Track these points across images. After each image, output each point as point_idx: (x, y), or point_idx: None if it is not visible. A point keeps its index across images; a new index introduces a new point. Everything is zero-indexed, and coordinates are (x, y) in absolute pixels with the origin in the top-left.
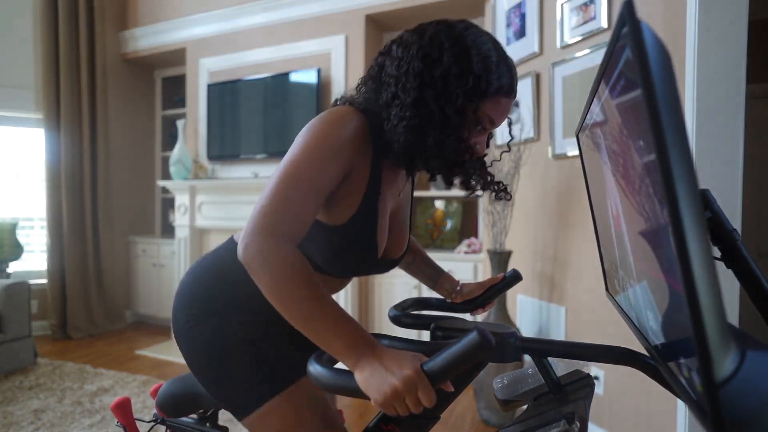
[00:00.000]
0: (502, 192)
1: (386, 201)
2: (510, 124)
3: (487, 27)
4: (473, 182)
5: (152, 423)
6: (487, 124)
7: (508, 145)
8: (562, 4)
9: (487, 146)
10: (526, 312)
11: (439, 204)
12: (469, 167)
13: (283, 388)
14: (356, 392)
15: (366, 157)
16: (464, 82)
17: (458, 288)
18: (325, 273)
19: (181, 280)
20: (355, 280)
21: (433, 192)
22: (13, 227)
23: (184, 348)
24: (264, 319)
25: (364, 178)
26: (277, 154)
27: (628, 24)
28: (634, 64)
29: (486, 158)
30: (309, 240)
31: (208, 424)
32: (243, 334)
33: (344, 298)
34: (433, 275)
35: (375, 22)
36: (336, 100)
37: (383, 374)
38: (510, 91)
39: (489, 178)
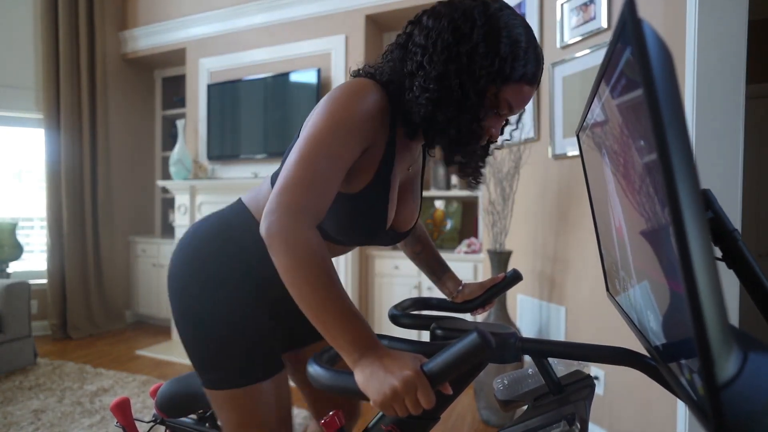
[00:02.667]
0: (476, 180)
1: (397, 174)
2: (519, 118)
3: None
4: (469, 168)
5: (152, 423)
6: (504, 109)
7: (510, 138)
8: (562, 4)
9: (502, 133)
10: (526, 312)
11: (439, 204)
12: (475, 150)
13: (254, 381)
14: (355, 393)
15: (383, 131)
16: (489, 63)
17: (460, 288)
18: (331, 240)
19: (183, 236)
20: (355, 281)
21: (433, 192)
22: (13, 227)
23: (176, 303)
24: (261, 298)
25: (380, 150)
26: (277, 154)
27: (629, 23)
28: (635, 64)
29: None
30: None
31: (207, 424)
32: (235, 312)
33: None
34: (438, 271)
35: (375, 22)
36: (359, 71)
37: (383, 375)
38: (533, 79)
39: (481, 165)
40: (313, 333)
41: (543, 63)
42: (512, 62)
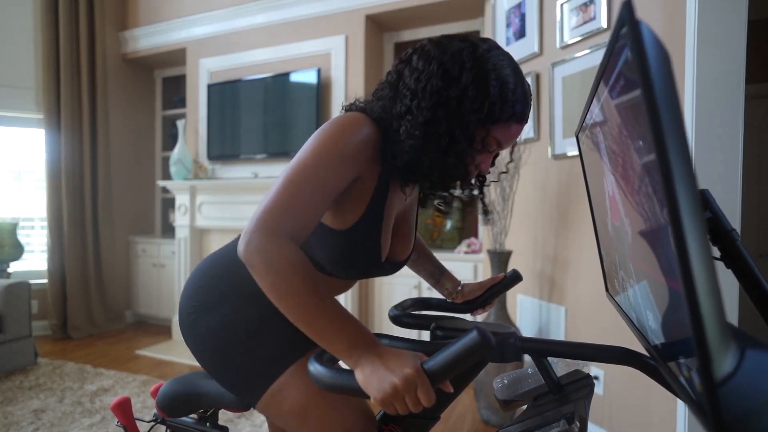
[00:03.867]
0: (486, 211)
1: (393, 205)
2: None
3: (487, 27)
4: (448, 204)
5: (152, 423)
6: (494, 146)
7: (506, 165)
8: (561, 5)
9: (492, 165)
10: (526, 312)
11: None
12: (456, 186)
13: (292, 362)
14: (356, 391)
15: (375, 164)
16: (479, 107)
17: (459, 288)
18: (330, 275)
19: (187, 279)
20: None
21: None
22: (14, 227)
23: (190, 340)
24: (269, 304)
25: (372, 183)
26: (277, 154)
27: (627, 24)
28: (634, 65)
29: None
30: (315, 243)
31: (208, 424)
32: (248, 320)
33: (344, 298)
34: (436, 273)
35: (375, 22)
36: (351, 105)
37: (383, 372)
38: (522, 118)
39: (480, 193)
40: None
41: (531, 99)
42: (501, 104)
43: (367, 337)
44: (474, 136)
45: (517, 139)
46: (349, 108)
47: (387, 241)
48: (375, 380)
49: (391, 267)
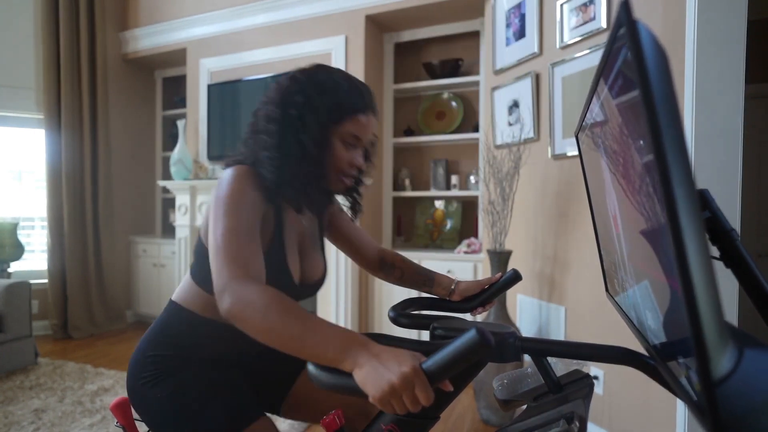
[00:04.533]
0: (355, 206)
1: (293, 232)
2: (369, 152)
3: (486, 27)
4: (355, 204)
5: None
6: (352, 141)
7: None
8: (561, 5)
9: (368, 160)
10: (526, 312)
11: (439, 204)
12: (324, 189)
13: (245, 426)
14: (356, 390)
15: (268, 202)
16: (318, 115)
17: (454, 286)
18: None
19: (131, 356)
20: (355, 281)
21: (433, 192)
22: (14, 227)
23: (140, 409)
24: (220, 365)
25: (271, 217)
26: None
27: (625, 25)
28: (632, 65)
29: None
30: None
31: None
32: (195, 391)
33: (344, 298)
34: (427, 281)
35: (375, 22)
36: (230, 160)
37: (381, 371)
38: (366, 109)
39: (356, 188)
40: (292, 373)
41: (370, 92)
42: (338, 103)
43: (358, 339)
44: (326, 140)
45: (517, 139)
46: (229, 164)
47: (295, 264)
48: (372, 379)
49: (308, 288)
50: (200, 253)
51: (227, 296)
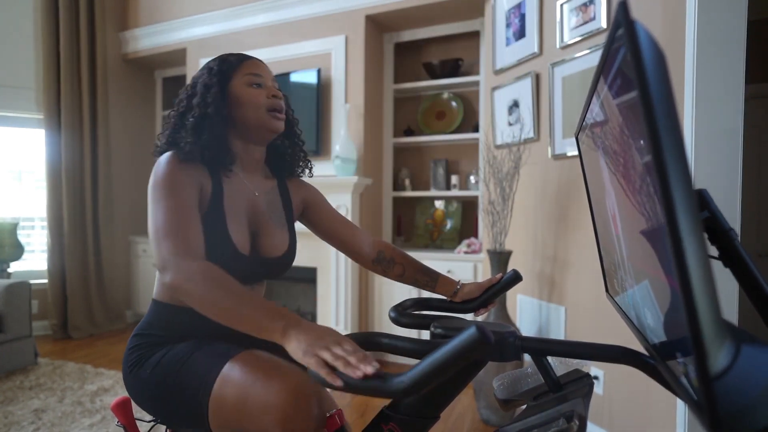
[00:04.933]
0: (305, 163)
1: (235, 198)
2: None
3: (486, 27)
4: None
5: (152, 423)
6: (253, 80)
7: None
8: (561, 5)
9: (279, 102)
10: (526, 312)
11: (439, 204)
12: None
13: (221, 367)
14: (360, 389)
15: (205, 176)
16: (212, 76)
17: (458, 288)
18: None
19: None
20: (355, 281)
21: (433, 192)
22: (14, 227)
23: (137, 394)
24: (201, 334)
25: (209, 186)
26: None
27: (623, 25)
28: (630, 66)
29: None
30: None
31: None
32: (181, 349)
33: (344, 298)
34: (430, 282)
35: (375, 22)
36: (158, 149)
37: (308, 333)
38: (246, 57)
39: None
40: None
41: (246, 53)
42: (224, 60)
43: (289, 312)
44: (229, 93)
45: (517, 139)
46: (158, 151)
47: (241, 235)
48: (304, 340)
49: (267, 263)
50: None
51: (169, 270)
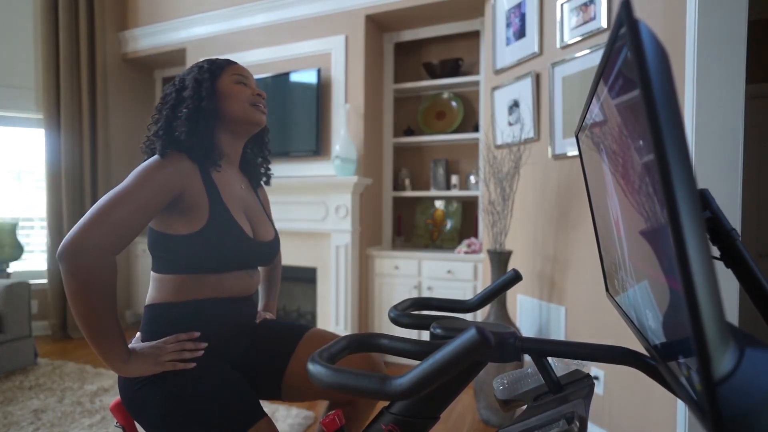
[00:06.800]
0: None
1: (231, 191)
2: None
3: (487, 27)
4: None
5: None
6: (239, 79)
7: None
8: (561, 5)
9: (263, 97)
10: (526, 312)
11: (439, 204)
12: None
13: (249, 426)
14: (359, 390)
15: (194, 175)
16: (202, 73)
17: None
18: (221, 271)
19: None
20: (355, 281)
21: (433, 192)
22: (14, 227)
23: (139, 410)
24: (212, 355)
25: (200, 186)
26: (276, 154)
27: (625, 24)
28: (632, 64)
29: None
30: (185, 252)
31: None
32: (197, 386)
33: (344, 298)
34: (264, 297)
35: (375, 22)
36: (147, 142)
37: (145, 352)
38: (232, 61)
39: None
40: (285, 354)
41: (230, 60)
42: (212, 61)
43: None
44: (217, 90)
45: (517, 139)
46: (145, 151)
47: (243, 220)
48: (146, 360)
49: (264, 246)
50: (153, 247)
51: (69, 247)
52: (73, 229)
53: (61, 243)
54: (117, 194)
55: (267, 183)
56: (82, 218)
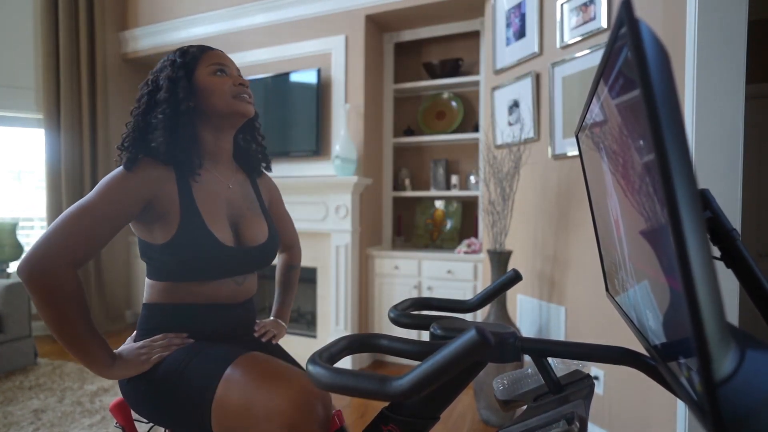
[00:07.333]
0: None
1: (209, 195)
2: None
3: (487, 27)
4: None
5: (151, 423)
6: (217, 68)
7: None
8: (561, 5)
9: (245, 86)
10: (526, 312)
11: (439, 204)
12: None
13: (223, 370)
14: (359, 391)
15: (167, 181)
16: (176, 70)
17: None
18: (200, 280)
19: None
20: (355, 281)
21: (433, 192)
22: (14, 227)
23: (135, 402)
24: (194, 336)
25: (173, 191)
26: (276, 154)
27: (626, 23)
28: (633, 64)
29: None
30: (158, 261)
31: None
32: (179, 353)
33: (344, 298)
34: (276, 303)
35: (375, 22)
36: (121, 155)
37: (132, 354)
38: (207, 48)
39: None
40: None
41: (205, 45)
42: (184, 52)
43: (112, 351)
44: (194, 85)
45: (517, 139)
46: (124, 157)
47: (221, 227)
48: (132, 359)
49: (252, 252)
50: (140, 253)
51: (29, 264)
52: (33, 244)
53: (20, 258)
54: (78, 207)
55: (267, 169)
56: (43, 233)
